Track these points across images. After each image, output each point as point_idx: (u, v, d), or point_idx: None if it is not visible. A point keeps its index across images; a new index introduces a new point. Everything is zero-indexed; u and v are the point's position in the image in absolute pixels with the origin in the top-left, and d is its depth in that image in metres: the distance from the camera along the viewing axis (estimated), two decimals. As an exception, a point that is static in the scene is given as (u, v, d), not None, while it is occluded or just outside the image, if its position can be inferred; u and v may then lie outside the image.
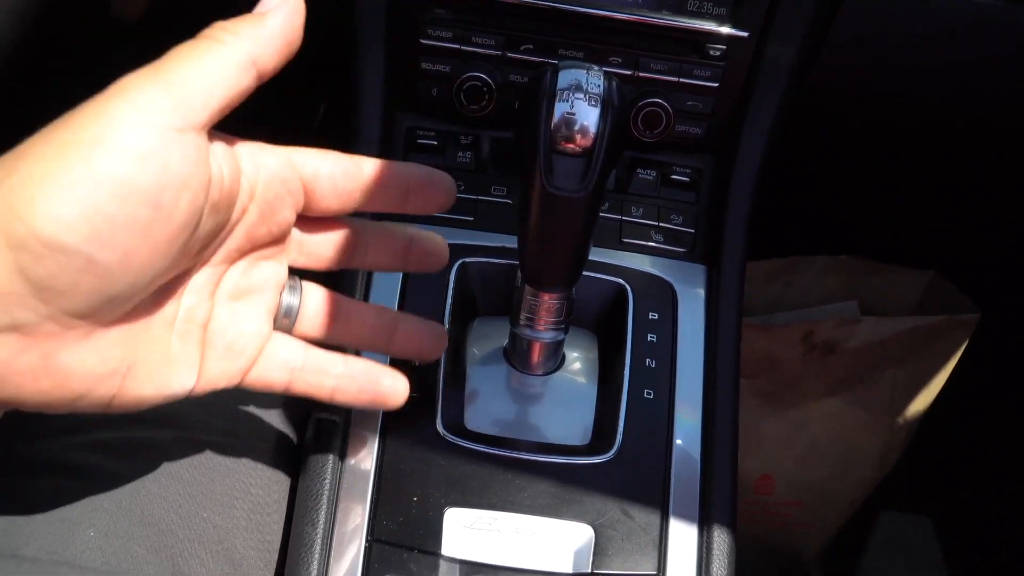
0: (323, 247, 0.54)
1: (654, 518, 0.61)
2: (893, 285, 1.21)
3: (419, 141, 0.74)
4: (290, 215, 0.50)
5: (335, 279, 0.68)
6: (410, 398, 0.63)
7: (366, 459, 0.61)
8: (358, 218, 0.55)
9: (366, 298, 0.68)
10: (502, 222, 0.72)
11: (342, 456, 0.62)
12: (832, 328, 1.08)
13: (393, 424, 0.62)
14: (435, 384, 0.64)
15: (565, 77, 0.51)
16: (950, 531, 1.42)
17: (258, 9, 0.45)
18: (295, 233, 0.53)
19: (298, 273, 0.55)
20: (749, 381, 1.11)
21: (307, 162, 0.49)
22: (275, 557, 0.63)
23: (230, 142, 0.46)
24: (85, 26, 0.96)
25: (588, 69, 0.51)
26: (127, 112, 0.39)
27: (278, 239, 0.51)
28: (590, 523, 0.60)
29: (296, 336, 0.54)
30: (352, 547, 0.59)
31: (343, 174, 0.51)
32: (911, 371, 1.15)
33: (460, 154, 0.74)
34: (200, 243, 0.44)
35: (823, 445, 1.17)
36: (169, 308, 0.46)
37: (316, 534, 0.59)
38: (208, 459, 0.62)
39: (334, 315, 0.54)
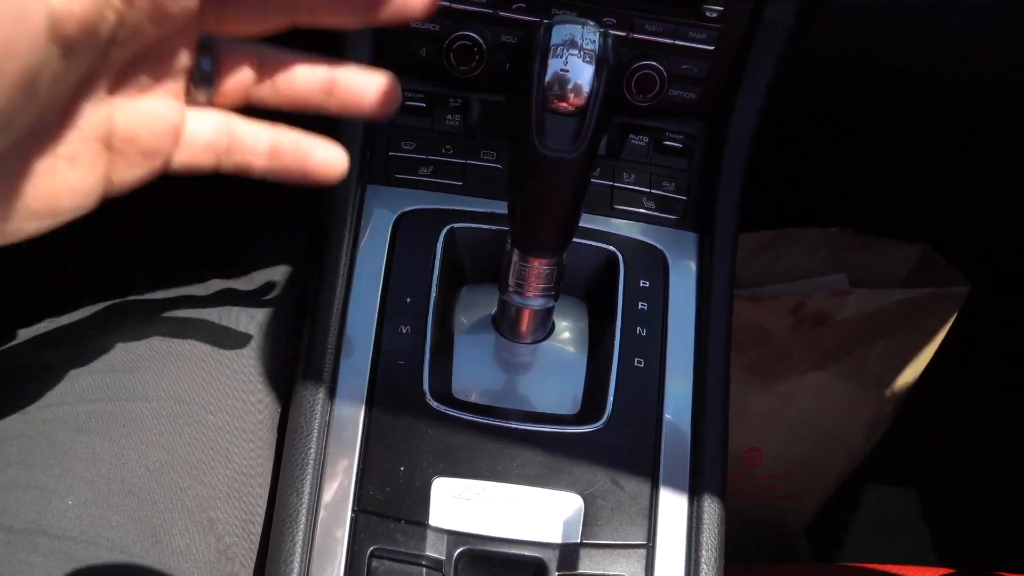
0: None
1: (644, 488, 0.60)
2: (883, 258, 1.20)
3: (407, 103, 0.73)
4: (188, 2, 0.40)
5: (320, 259, 0.66)
6: (396, 365, 0.62)
7: (352, 428, 0.60)
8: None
9: (351, 266, 0.67)
10: (491, 187, 0.71)
11: (327, 425, 0.60)
12: (822, 300, 1.08)
13: (380, 392, 0.61)
14: (422, 352, 0.63)
15: (559, 33, 0.49)
16: (935, 504, 1.43)
17: None
18: None
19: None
20: (738, 353, 1.10)
21: None
22: (259, 528, 0.62)
23: None
24: None
25: (583, 25, 0.50)
26: None
27: (178, 28, 0.42)
28: (579, 493, 0.59)
29: (218, 108, 0.46)
30: (338, 517, 0.58)
31: None
32: (900, 343, 1.15)
33: (449, 117, 0.73)
34: (66, 81, 0.38)
35: (811, 418, 1.18)
36: (54, 131, 0.40)
37: (301, 504, 0.58)
38: (189, 428, 0.61)
39: (258, 72, 0.46)
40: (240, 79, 0.46)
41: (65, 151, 0.40)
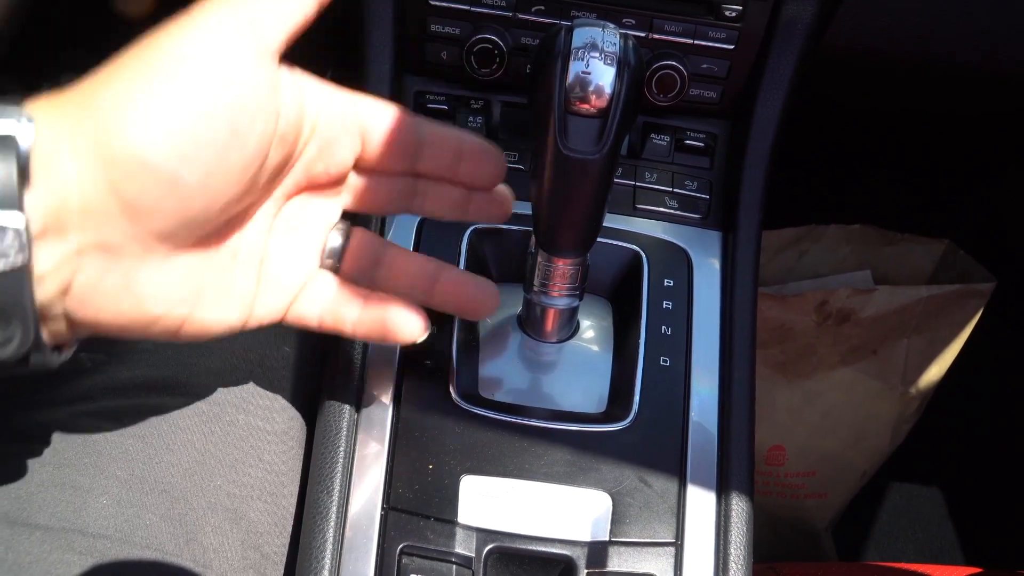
0: (377, 191, 0.54)
1: (672, 486, 0.60)
2: (907, 254, 1.20)
3: (428, 106, 0.73)
4: (348, 157, 0.50)
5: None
6: (424, 366, 0.63)
7: (380, 427, 0.61)
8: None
9: None
10: (514, 188, 0.71)
11: (356, 424, 0.61)
12: (846, 297, 1.08)
13: (407, 392, 0.62)
14: (449, 352, 0.63)
15: (580, 35, 0.49)
16: (961, 502, 1.41)
17: None
18: (352, 178, 0.53)
19: (350, 219, 0.55)
20: (762, 351, 1.10)
21: (369, 108, 0.50)
22: (290, 525, 0.63)
23: (297, 75, 0.47)
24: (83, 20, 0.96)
25: (604, 27, 0.50)
26: (209, 35, 0.41)
27: (334, 180, 0.52)
28: (607, 491, 0.59)
29: (340, 278, 0.54)
30: (368, 515, 0.58)
31: (400, 126, 0.51)
32: (925, 340, 1.14)
33: (470, 119, 0.73)
34: (268, 174, 0.46)
35: (836, 415, 1.17)
36: (235, 239, 0.47)
37: (331, 502, 0.59)
38: (221, 427, 0.62)
39: (376, 259, 0.54)
40: (361, 257, 0.54)
41: (239, 253, 0.48)
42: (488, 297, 0.55)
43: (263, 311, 0.50)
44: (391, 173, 0.53)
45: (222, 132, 0.41)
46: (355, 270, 0.54)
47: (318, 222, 0.53)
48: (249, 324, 0.50)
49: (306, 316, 0.52)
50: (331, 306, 0.52)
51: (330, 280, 0.53)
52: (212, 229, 0.44)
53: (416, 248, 0.68)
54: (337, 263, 0.53)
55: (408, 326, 0.52)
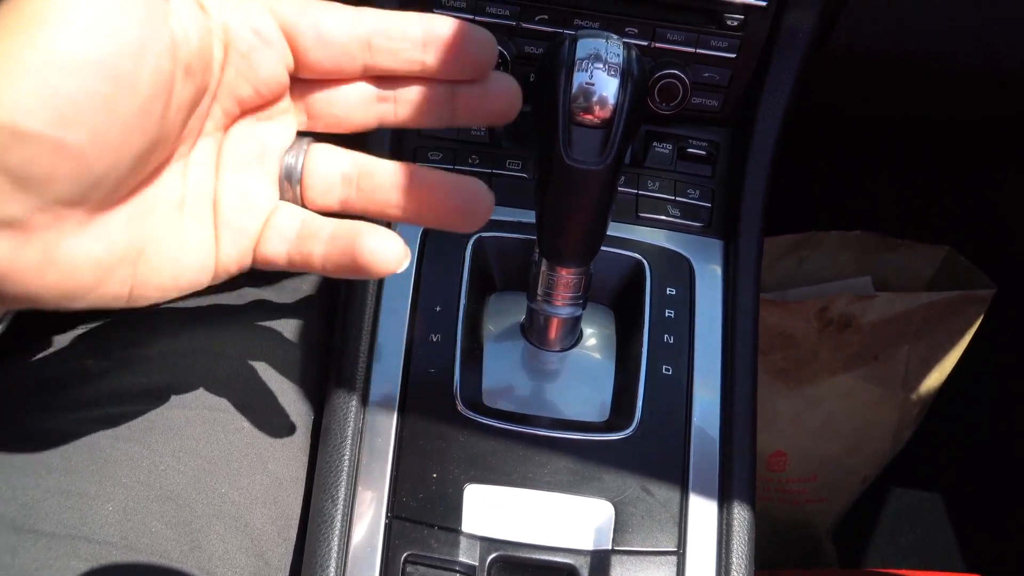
0: (332, 103, 0.46)
1: (674, 495, 0.60)
2: (907, 260, 1.20)
3: None
4: (276, 69, 0.44)
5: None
6: (427, 373, 0.63)
7: (385, 435, 0.61)
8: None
9: (380, 279, 0.68)
10: (518, 197, 0.71)
11: (360, 432, 0.61)
12: (847, 303, 1.08)
13: (411, 400, 0.62)
14: (452, 360, 0.64)
15: (584, 47, 0.50)
16: (962, 508, 1.41)
17: None
18: (299, 92, 0.46)
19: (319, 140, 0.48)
20: (763, 357, 1.10)
21: (291, 6, 0.43)
22: (294, 532, 0.63)
23: None
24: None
25: (607, 38, 0.50)
26: None
27: (271, 99, 0.45)
28: (610, 500, 0.60)
29: (307, 207, 0.47)
30: (372, 523, 0.58)
31: (335, 21, 0.44)
32: (926, 347, 1.14)
33: (474, 128, 0.74)
34: (182, 114, 0.40)
35: (837, 421, 1.17)
36: (174, 187, 0.43)
37: (336, 510, 0.59)
38: (226, 434, 0.62)
39: (343, 176, 0.47)
40: (326, 178, 0.47)
41: (186, 201, 0.43)
42: (480, 197, 0.46)
43: (228, 259, 0.45)
44: (343, 78, 0.46)
45: (102, 83, 0.35)
46: (321, 194, 0.47)
47: (268, 150, 0.46)
48: (218, 275, 0.45)
49: (274, 257, 0.46)
50: (297, 241, 0.46)
51: (293, 212, 0.46)
52: (134, 183, 0.40)
53: (419, 259, 0.68)
54: (296, 188, 0.47)
55: (382, 252, 0.44)
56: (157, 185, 0.42)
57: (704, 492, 0.61)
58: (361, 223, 0.45)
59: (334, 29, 0.43)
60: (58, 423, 0.60)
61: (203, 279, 0.45)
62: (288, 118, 0.47)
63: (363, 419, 0.62)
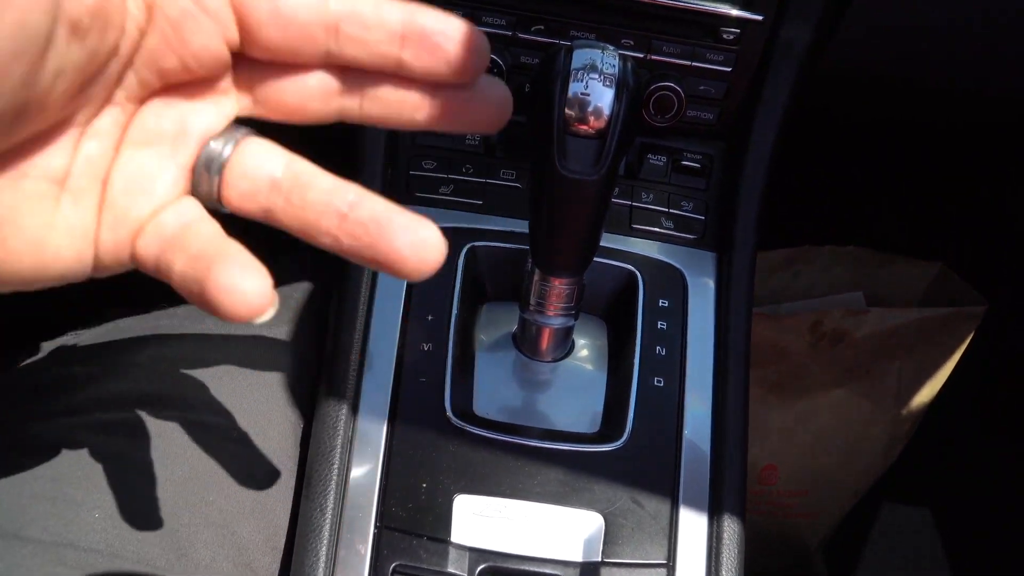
0: (281, 90, 0.39)
1: (664, 507, 0.60)
2: (900, 276, 1.20)
3: None
4: (213, 44, 0.36)
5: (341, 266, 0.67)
6: (418, 383, 0.63)
7: (374, 445, 0.61)
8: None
9: (372, 284, 0.67)
10: (511, 206, 0.71)
11: (350, 441, 0.61)
12: (840, 318, 1.08)
13: (402, 409, 0.62)
14: (443, 369, 0.63)
15: (579, 57, 0.50)
16: (952, 523, 1.41)
17: None
18: (244, 72, 0.39)
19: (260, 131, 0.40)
20: (756, 371, 1.10)
21: None
22: (281, 542, 0.63)
23: None
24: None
25: (603, 49, 0.50)
26: None
27: (205, 76, 0.38)
28: (600, 511, 0.59)
29: (224, 207, 0.39)
30: (361, 533, 0.58)
31: None
32: (918, 362, 1.14)
33: (468, 137, 0.74)
34: (70, 77, 0.33)
35: (828, 435, 1.17)
36: (57, 158, 0.35)
37: (324, 520, 0.58)
38: (214, 442, 0.62)
39: (271, 181, 0.38)
40: (253, 177, 0.38)
41: (68, 178, 0.36)
42: (427, 244, 0.37)
43: (108, 251, 0.37)
44: (299, 65, 0.38)
45: None
46: (242, 195, 0.39)
47: (189, 132, 0.38)
48: (98, 269, 0.38)
49: (145, 257, 0.38)
50: (166, 245, 0.37)
51: (187, 211, 0.38)
52: (7, 154, 0.34)
53: None
54: (213, 181, 0.39)
55: (236, 293, 0.35)
56: (34, 153, 0.35)
57: (694, 504, 0.61)
58: (232, 249, 0.37)
59: (295, 6, 0.36)
60: (45, 430, 0.60)
61: (78, 270, 0.37)
62: (225, 101, 0.39)
63: (353, 428, 0.62)
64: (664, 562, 0.59)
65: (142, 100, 0.38)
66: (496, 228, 0.70)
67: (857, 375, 1.13)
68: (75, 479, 0.57)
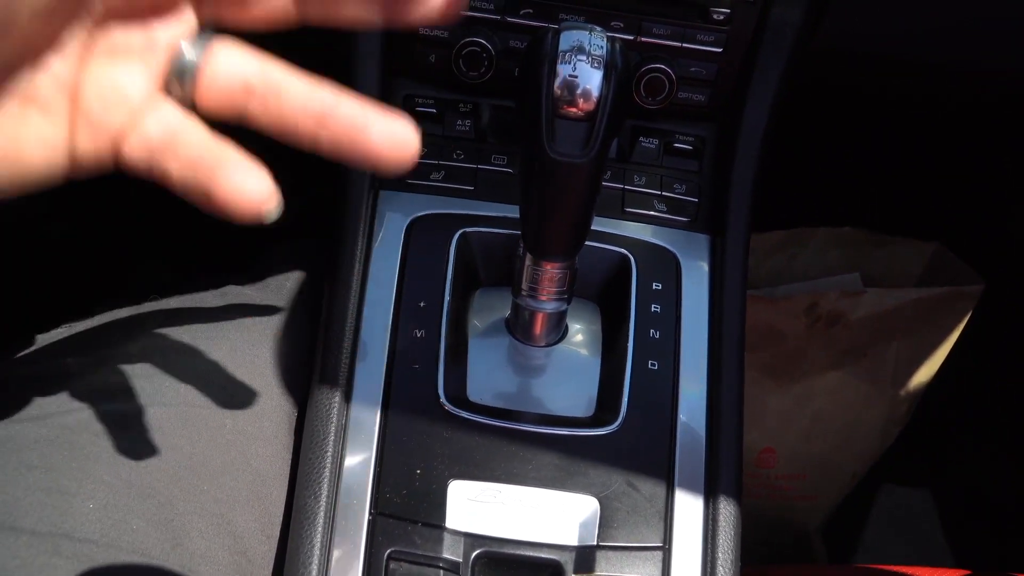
0: None
1: (659, 490, 0.60)
2: (896, 257, 1.20)
3: (417, 109, 0.73)
4: None
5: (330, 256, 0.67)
6: (411, 369, 0.63)
7: (368, 431, 0.61)
8: None
9: (365, 271, 0.67)
10: (503, 191, 0.71)
11: (344, 429, 0.61)
12: (836, 300, 1.08)
13: (395, 396, 0.62)
14: (436, 355, 0.63)
15: (567, 39, 0.49)
16: (950, 504, 1.42)
17: None
18: None
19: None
20: (752, 354, 1.10)
21: None
22: (277, 530, 0.63)
23: None
24: None
25: (591, 30, 0.50)
26: None
27: None
28: (595, 495, 0.59)
29: (199, 112, 0.41)
30: (356, 520, 0.58)
31: None
32: (914, 343, 1.14)
33: (459, 122, 0.73)
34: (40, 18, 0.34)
35: (826, 418, 1.17)
36: (19, 77, 0.36)
37: (319, 507, 0.58)
38: (208, 432, 0.62)
39: (245, 84, 0.40)
40: (226, 82, 0.40)
41: (36, 94, 0.37)
42: (404, 142, 0.39)
43: (85, 157, 0.39)
44: None
45: None
46: (217, 99, 0.40)
47: (157, 42, 0.39)
48: (74, 173, 0.40)
49: (135, 163, 0.40)
50: (156, 151, 0.39)
51: (168, 116, 0.40)
52: None
53: (404, 251, 0.67)
54: (187, 88, 0.40)
55: (245, 192, 0.38)
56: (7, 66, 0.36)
57: (690, 487, 0.61)
58: (229, 153, 0.39)
59: None
60: (39, 421, 0.60)
61: (51, 175, 0.39)
62: (190, 13, 0.40)
63: (347, 415, 0.61)
64: (660, 545, 0.59)
65: (107, 18, 0.38)
66: (488, 214, 0.70)
67: (854, 357, 1.13)
68: (69, 470, 0.57)
